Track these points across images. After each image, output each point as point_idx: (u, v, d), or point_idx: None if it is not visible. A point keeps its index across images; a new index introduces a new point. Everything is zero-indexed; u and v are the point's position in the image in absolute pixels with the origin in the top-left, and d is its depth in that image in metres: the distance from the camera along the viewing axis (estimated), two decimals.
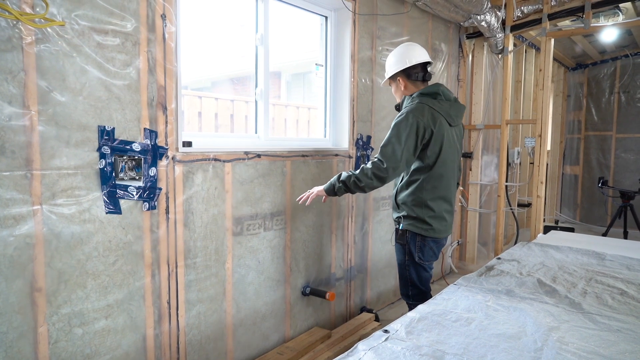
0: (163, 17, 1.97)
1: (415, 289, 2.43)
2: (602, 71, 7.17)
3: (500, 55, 4.32)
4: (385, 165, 2.13)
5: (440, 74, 4.11)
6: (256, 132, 2.68)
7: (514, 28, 4.11)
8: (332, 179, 2.32)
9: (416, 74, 2.27)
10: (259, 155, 2.47)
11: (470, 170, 4.53)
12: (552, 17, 3.91)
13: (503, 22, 4.11)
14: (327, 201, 2.93)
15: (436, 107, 2.20)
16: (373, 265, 3.46)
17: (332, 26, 3.06)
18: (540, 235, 3.32)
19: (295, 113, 4.80)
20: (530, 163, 5.88)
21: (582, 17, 3.79)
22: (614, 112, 7.10)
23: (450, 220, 2.39)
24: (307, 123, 4.28)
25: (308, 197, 2.39)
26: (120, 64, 1.84)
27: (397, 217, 2.36)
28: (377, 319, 3.25)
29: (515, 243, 4.84)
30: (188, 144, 2.13)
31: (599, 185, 6.23)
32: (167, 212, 2.04)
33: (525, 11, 4.07)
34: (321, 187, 2.36)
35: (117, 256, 1.87)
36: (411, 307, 2.41)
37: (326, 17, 3.06)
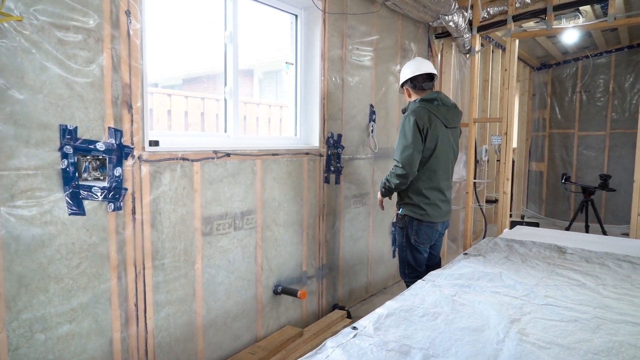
0: (127, 13, 1.93)
1: (410, 268, 2.80)
2: (565, 71, 7.44)
3: (468, 55, 4.42)
4: (401, 165, 2.55)
5: None
6: (226, 131, 2.66)
7: (480, 29, 4.21)
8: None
9: (418, 84, 2.67)
10: (228, 155, 2.45)
11: None
12: (516, 18, 4.02)
13: (470, 23, 4.20)
14: (298, 200, 2.95)
15: (433, 110, 2.58)
16: (345, 263, 3.49)
17: (302, 25, 3.06)
18: (507, 230, 3.42)
19: (267, 111, 4.78)
20: (497, 160, 6.04)
21: (545, 19, 3.92)
22: (576, 110, 7.38)
23: (445, 208, 2.73)
24: (279, 121, 4.27)
25: (381, 203, 2.90)
26: (83, 61, 1.79)
27: (397, 204, 2.78)
28: (349, 315, 3.28)
29: (484, 238, 4.96)
30: (155, 143, 2.10)
31: (562, 181, 6.46)
32: (134, 212, 2.00)
33: (491, 12, 4.17)
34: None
35: (82, 258, 1.82)
36: (408, 284, 2.76)
37: (296, 16, 3.06)
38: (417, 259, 2.74)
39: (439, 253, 2.96)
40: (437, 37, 4.44)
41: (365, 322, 1.61)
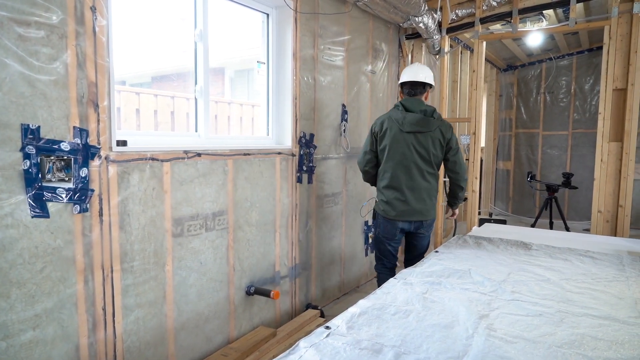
0: (93, 9, 1.87)
1: (376, 257, 3.09)
2: (530, 73, 7.68)
3: (437, 56, 4.50)
4: (359, 168, 3.04)
5: (381, 73, 4.21)
6: (196, 131, 2.62)
7: (449, 30, 4.30)
8: None
9: (404, 90, 2.92)
10: (199, 154, 2.41)
11: None
12: (483, 21, 4.13)
13: (439, 24, 4.28)
14: (271, 200, 2.93)
15: (393, 115, 2.82)
16: (318, 263, 3.49)
17: (273, 24, 3.04)
18: (475, 227, 3.51)
19: (239, 110, 4.73)
20: (466, 159, 6.17)
21: (511, 22, 4.04)
22: (540, 111, 7.63)
23: (403, 207, 2.82)
24: (251, 120, 4.24)
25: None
26: (46, 58, 1.73)
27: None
28: (322, 315, 3.30)
29: (454, 235, 5.06)
30: (123, 143, 2.04)
31: (528, 179, 6.67)
32: (101, 214, 1.95)
33: (460, 14, 4.26)
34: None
35: (45, 262, 1.76)
36: (377, 274, 3.11)
37: (267, 15, 3.04)
38: (380, 250, 3.01)
39: (420, 252, 3.01)
40: (407, 38, 4.51)
41: (338, 322, 1.62)
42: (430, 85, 2.89)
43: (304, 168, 3.24)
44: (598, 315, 1.72)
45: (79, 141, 1.85)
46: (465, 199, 3.06)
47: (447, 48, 4.36)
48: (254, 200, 2.80)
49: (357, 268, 4.06)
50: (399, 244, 2.98)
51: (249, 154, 2.74)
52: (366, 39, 3.94)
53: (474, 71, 4.22)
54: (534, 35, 5.36)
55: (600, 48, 7.09)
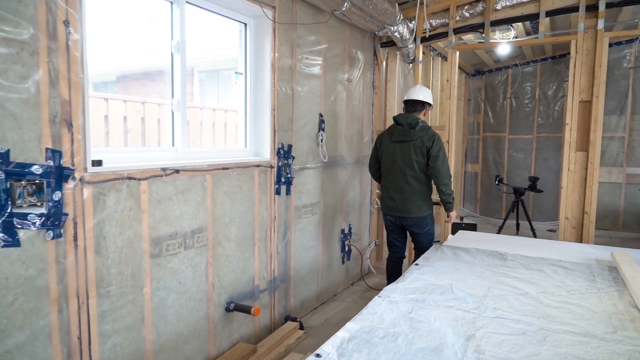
0: (66, 23, 1.77)
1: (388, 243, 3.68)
2: (497, 78, 7.90)
3: (411, 64, 4.55)
4: (369, 170, 3.67)
5: (357, 81, 4.22)
6: (173, 145, 2.54)
7: (423, 39, 4.35)
8: None
9: (406, 106, 3.42)
10: (177, 171, 2.34)
11: None
12: (457, 31, 4.20)
13: (414, 33, 4.33)
14: (250, 213, 2.88)
15: (388, 129, 3.44)
16: (296, 274, 3.47)
17: (251, 34, 2.99)
18: (450, 236, 3.56)
19: (212, 116, 4.63)
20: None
21: (483, 32, 4.13)
22: (507, 115, 7.87)
23: (391, 204, 3.39)
24: (224, 126, 4.14)
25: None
26: (16, 76, 1.62)
27: None
28: (301, 327, 3.27)
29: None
30: (98, 162, 1.95)
31: (496, 182, 6.86)
32: (76, 239, 1.85)
33: (434, 24, 4.32)
34: None
35: (17, 294, 1.66)
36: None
37: (245, 25, 2.98)
38: (387, 240, 3.65)
39: (420, 247, 3.44)
40: (382, 46, 4.53)
41: (328, 348, 1.60)
42: (429, 104, 3.40)
43: (282, 179, 3.21)
44: (577, 332, 1.78)
45: (51, 163, 1.75)
46: (451, 202, 3.31)
47: (421, 57, 4.41)
48: (233, 215, 2.75)
49: (334, 277, 4.07)
50: (398, 235, 3.53)
51: (227, 168, 2.68)
52: (343, 48, 3.94)
53: (447, 80, 4.29)
54: (504, 46, 5.51)
55: (563, 56, 7.40)
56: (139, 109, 4.13)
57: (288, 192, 3.28)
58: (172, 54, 2.49)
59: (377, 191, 4.74)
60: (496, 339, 1.71)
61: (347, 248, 4.23)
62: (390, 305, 2.04)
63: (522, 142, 7.84)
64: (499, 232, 6.66)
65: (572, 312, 1.99)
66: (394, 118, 3.37)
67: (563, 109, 7.42)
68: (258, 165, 2.95)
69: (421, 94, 3.34)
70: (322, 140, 3.64)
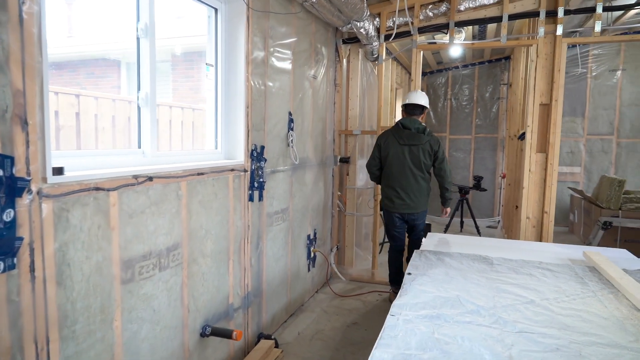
0: None
1: (389, 242, 3.94)
2: (438, 79, 8.11)
3: (375, 63, 4.42)
4: (368, 172, 3.87)
5: (321, 78, 4.00)
6: (140, 147, 2.15)
7: (387, 37, 4.25)
8: None
9: (406, 110, 3.71)
10: (150, 179, 1.96)
11: (348, 175, 4.57)
12: (421, 30, 4.14)
13: (378, 31, 4.20)
14: (225, 224, 2.56)
15: (393, 131, 3.68)
16: (268, 286, 3.18)
17: (223, 21, 2.65)
18: (424, 240, 3.48)
19: (168, 113, 4.15)
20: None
21: (447, 32, 4.11)
22: (447, 116, 8.11)
23: (398, 202, 3.67)
24: (182, 124, 3.72)
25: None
26: None
27: None
28: (276, 344, 3.00)
29: (383, 242, 5.08)
30: (59, 170, 1.54)
31: None
32: (33, 269, 1.44)
33: (397, 22, 4.23)
34: None
35: None
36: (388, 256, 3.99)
37: (216, 10, 2.64)
38: (389, 234, 3.89)
39: (417, 235, 3.82)
40: (344, 43, 4.36)
41: None
42: (427, 108, 3.71)
43: (255, 184, 2.90)
44: (605, 343, 1.72)
45: (1, 173, 1.33)
46: (451, 198, 3.84)
47: (384, 55, 4.30)
48: (208, 227, 2.40)
49: (301, 286, 3.82)
50: (402, 229, 3.80)
51: (202, 173, 2.33)
52: (309, 42, 3.70)
53: (412, 80, 4.22)
54: (456, 48, 5.61)
55: (499, 60, 7.75)
56: (73, 102, 3.57)
57: (260, 198, 2.98)
58: (138, 39, 2.09)
59: (339, 193, 4.56)
60: (534, 357, 1.60)
61: (312, 254, 4.01)
62: (407, 325, 1.86)
63: (461, 142, 8.12)
64: (445, 230, 6.82)
65: (586, 320, 1.95)
66: (401, 122, 3.63)
67: (499, 110, 7.79)
68: (232, 170, 2.63)
69: (422, 99, 3.66)
70: (292, 140, 3.38)
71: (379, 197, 4.03)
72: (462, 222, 6.99)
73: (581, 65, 7.14)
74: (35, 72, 1.42)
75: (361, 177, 4.72)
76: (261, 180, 2.97)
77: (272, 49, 3.04)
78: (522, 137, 4.78)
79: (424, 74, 8.16)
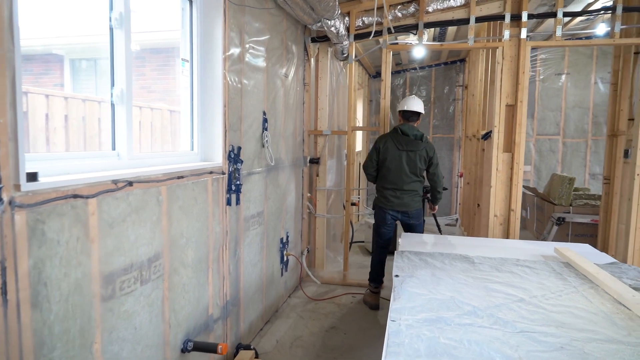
0: None
1: (373, 239, 4.12)
2: (397, 80, 8.22)
3: (344, 62, 4.38)
4: (365, 172, 3.99)
5: (292, 77, 3.89)
6: (114, 149, 1.95)
7: (357, 37, 4.21)
8: None
9: (404, 115, 3.89)
10: (130, 183, 1.78)
11: (318, 176, 4.49)
12: (391, 31, 4.14)
13: (348, 30, 4.16)
14: (205, 231, 2.41)
15: (392, 136, 3.83)
16: (245, 294, 3.03)
17: (199, 12, 2.48)
18: (400, 240, 3.46)
19: (138, 113, 3.87)
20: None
21: (416, 33, 4.14)
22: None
23: (395, 200, 3.87)
24: (151, 125, 3.47)
25: None
26: None
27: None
28: (256, 354, 2.86)
29: (352, 242, 5.06)
30: (32, 176, 1.34)
31: None
32: (4, 292, 1.24)
33: (366, 22, 4.21)
34: None
35: None
36: (371, 253, 4.15)
37: (190, 1, 2.46)
38: (377, 231, 4.04)
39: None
40: (313, 41, 4.27)
41: None
42: (422, 114, 3.93)
43: (233, 187, 2.75)
44: (602, 339, 1.76)
45: None
46: (440, 199, 4.16)
47: (354, 55, 4.26)
48: (189, 235, 2.24)
49: (276, 291, 3.70)
50: (391, 227, 3.98)
51: (182, 177, 2.16)
52: (281, 40, 3.58)
53: (382, 80, 4.21)
54: (420, 49, 5.68)
55: (454, 62, 7.98)
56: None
57: (238, 201, 2.84)
58: (111, 29, 1.90)
59: (309, 195, 4.48)
60: (543, 357, 1.59)
61: (285, 258, 3.89)
62: (410, 330, 1.80)
63: None
64: None
65: (577, 317, 1.99)
66: (400, 128, 3.80)
67: (455, 111, 8.02)
68: (211, 172, 2.47)
69: (420, 105, 3.86)
70: (267, 141, 3.25)
71: (363, 197, 4.06)
72: (423, 221, 7.10)
73: (530, 69, 7.49)
74: (5, 64, 1.22)
75: (330, 177, 4.66)
76: (238, 183, 2.82)
77: (247, 45, 2.90)
78: (485, 136, 4.92)
79: None
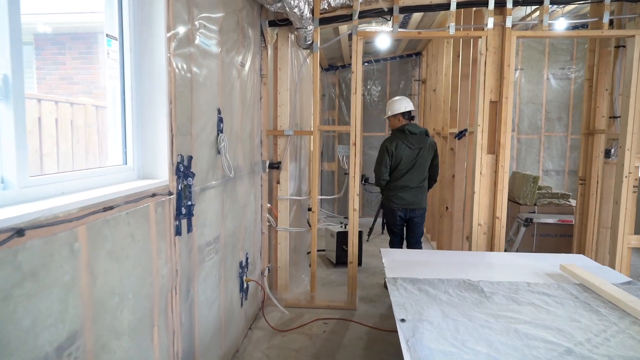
0: None
1: (390, 233, 4.24)
2: (350, 74, 7.72)
3: (308, 50, 3.77)
4: (377, 177, 4.04)
5: (249, 67, 3.23)
6: None
7: (323, 21, 3.62)
8: None
9: (399, 117, 3.99)
10: (20, 232, 1.07)
11: (279, 183, 3.86)
12: (362, 15, 3.60)
13: (313, 13, 3.56)
14: (147, 277, 1.73)
15: (401, 137, 3.92)
16: (201, 343, 2.36)
17: None
18: (384, 260, 2.94)
19: (36, 109, 3.02)
20: (345, 174, 5.78)
21: (390, 19, 3.62)
22: (361, 113, 7.77)
23: (409, 199, 3.97)
24: (69, 125, 2.64)
25: None
26: None
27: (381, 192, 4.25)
28: None
29: (308, 253, 4.50)
30: None
31: (362, 182, 6.65)
32: None
33: (333, 4, 3.62)
34: None
35: None
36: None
37: None
38: (390, 230, 4.21)
39: (416, 235, 4.14)
40: (271, 25, 3.62)
41: None
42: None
43: (183, 211, 2.07)
44: None
45: None
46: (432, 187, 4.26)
47: (319, 42, 3.67)
48: (124, 290, 1.54)
49: (235, 326, 3.04)
50: (402, 225, 4.11)
51: (112, 207, 1.47)
52: (237, 21, 2.91)
53: (353, 72, 3.66)
54: (385, 38, 5.20)
55: (410, 56, 7.62)
56: None
57: (190, 228, 2.16)
58: None
59: (269, 205, 3.84)
60: None
61: (245, 284, 3.24)
62: None
63: (375, 140, 7.87)
64: (369, 233, 6.47)
65: None
66: (407, 128, 3.92)
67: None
68: (154, 195, 1.78)
69: (412, 105, 4.05)
70: (224, 146, 2.58)
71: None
72: (383, 225, 6.71)
73: None
74: None
75: (293, 185, 4.05)
76: (190, 203, 2.14)
77: (198, 23, 2.21)
78: (460, 135, 4.54)
79: (334, 67, 7.73)
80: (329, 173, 8.01)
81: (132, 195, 1.59)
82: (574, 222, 5.60)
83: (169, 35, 1.86)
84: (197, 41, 2.20)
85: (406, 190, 3.94)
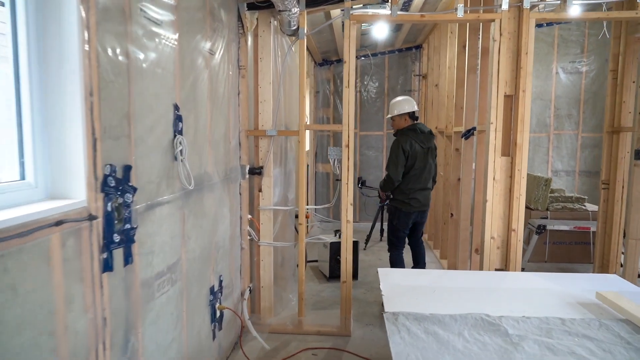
0: None
1: (392, 245, 4.00)
2: None
3: (294, 37, 3.27)
4: (393, 179, 3.78)
5: (221, 56, 2.72)
6: None
7: (310, 3, 3.11)
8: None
9: (405, 117, 3.87)
10: None
11: (261, 191, 3.36)
12: None
13: None
14: (64, 332, 1.21)
15: (413, 136, 3.79)
16: None
17: None
18: (382, 286, 2.45)
19: None
20: (337, 180, 5.27)
21: (387, 2, 3.12)
22: (357, 110, 7.27)
23: (422, 201, 3.84)
24: None
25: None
26: None
27: (389, 197, 4.07)
28: None
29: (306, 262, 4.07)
30: None
31: (359, 185, 6.16)
32: None
33: None
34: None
35: None
36: (391, 259, 4.03)
37: None
38: (397, 237, 3.91)
39: (418, 234, 4.04)
40: (250, 8, 3.12)
41: None
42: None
43: (116, 238, 1.57)
44: None
45: None
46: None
47: (306, 28, 3.16)
48: None
49: None
50: (409, 229, 3.91)
51: None
52: (203, 2, 2.40)
53: (345, 62, 3.16)
54: (381, 27, 4.70)
55: (409, 49, 7.11)
56: None
57: (129, 259, 1.65)
58: None
59: (249, 217, 3.34)
60: None
61: (218, 313, 2.74)
62: None
63: (373, 139, 7.38)
64: (367, 241, 5.98)
65: None
66: (419, 127, 3.80)
67: None
68: (60, 222, 1.27)
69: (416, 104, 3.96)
70: (182, 151, 2.07)
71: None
72: (382, 230, 6.22)
73: None
74: None
75: (278, 192, 3.54)
76: (128, 227, 1.64)
77: None
78: (467, 135, 4.04)
79: (329, 62, 7.22)
80: (324, 175, 7.51)
81: (11, 228, 1.09)
82: (590, 229, 5.16)
83: (88, 3, 1.35)
84: (137, 15, 1.69)
85: (422, 192, 3.81)
